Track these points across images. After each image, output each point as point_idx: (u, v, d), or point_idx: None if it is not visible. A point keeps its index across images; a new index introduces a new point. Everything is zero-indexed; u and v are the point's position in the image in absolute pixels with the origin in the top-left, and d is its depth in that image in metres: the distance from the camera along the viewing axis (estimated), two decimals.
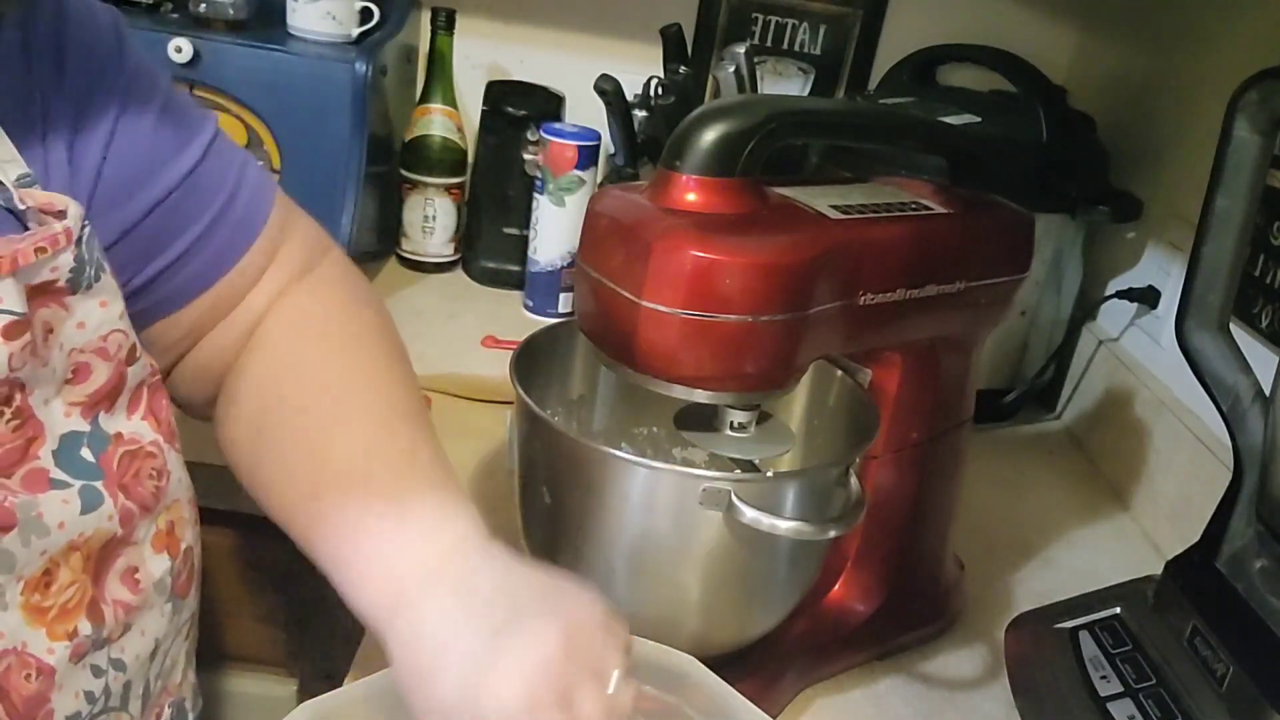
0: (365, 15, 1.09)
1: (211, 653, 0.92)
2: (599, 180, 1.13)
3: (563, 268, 1.10)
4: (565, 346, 0.72)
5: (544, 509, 0.63)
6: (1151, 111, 1.07)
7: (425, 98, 1.15)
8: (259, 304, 0.62)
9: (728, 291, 0.51)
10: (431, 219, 1.16)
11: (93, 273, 0.49)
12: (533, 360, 0.67)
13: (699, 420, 0.60)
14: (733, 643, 0.64)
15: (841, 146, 1.00)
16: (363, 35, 1.08)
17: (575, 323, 0.61)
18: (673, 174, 0.53)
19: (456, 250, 1.20)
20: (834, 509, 0.61)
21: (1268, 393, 0.57)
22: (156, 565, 0.55)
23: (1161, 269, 1.00)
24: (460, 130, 1.17)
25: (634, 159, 1.10)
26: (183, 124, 0.58)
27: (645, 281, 0.52)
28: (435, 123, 1.14)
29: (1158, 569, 0.63)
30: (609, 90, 1.06)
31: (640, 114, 1.10)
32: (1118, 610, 0.64)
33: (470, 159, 1.19)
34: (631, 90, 1.08)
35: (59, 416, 0.49)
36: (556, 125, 1.09)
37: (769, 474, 0.65)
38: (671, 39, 1.07)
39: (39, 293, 0.47)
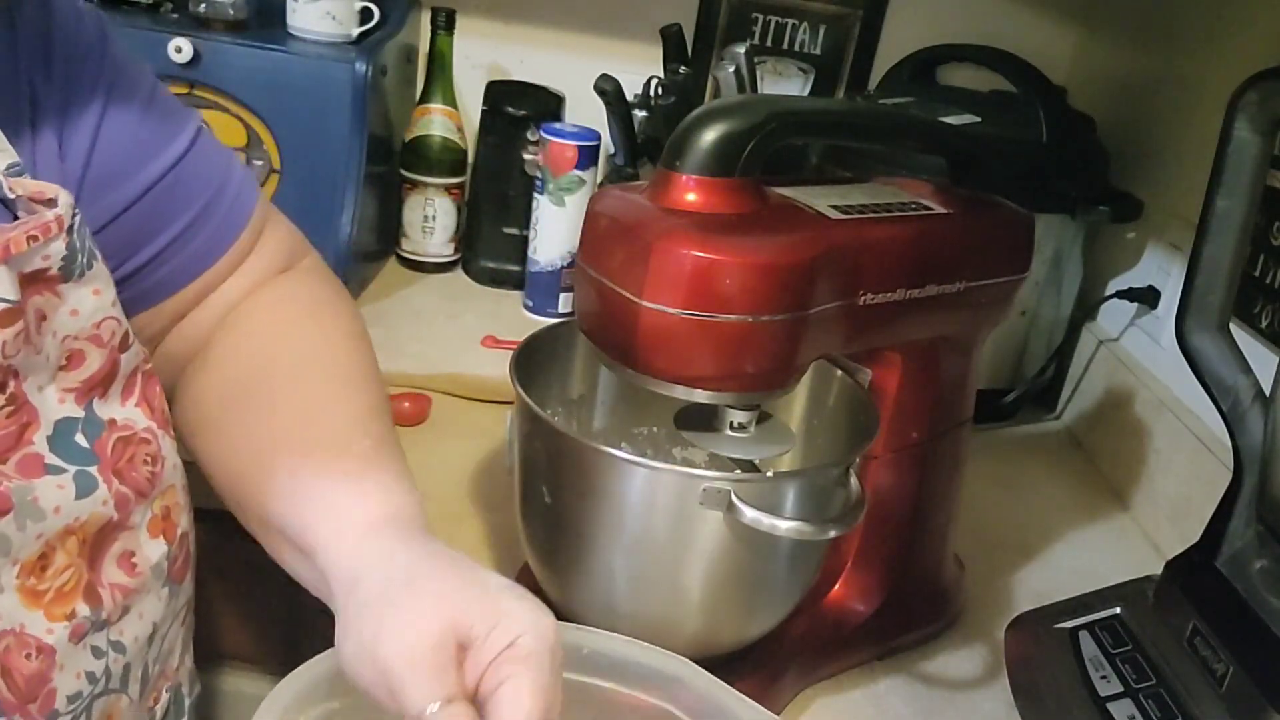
0: (365, 15, 1.09)
1: (211, 653, 0.92)
2: (599, 180, 1.13)
3: (563, 268, 1.10)
4: (565, 346, 0.72)
5: (544, 509, 0.63)
6: (1151, 111, 1.07)
7: (425, 98, 1.15)
8: (234, 293, 0.64)
9: (728, 291, 0.51)
10: (431, 219, 1.16)
11: (85, 260, 0.50)
12: (533, 360, 0.67)
13: (699, 420, 0.60)
14: (733, 643, 0.64)
15: (841, 146, 1.00)
16: (363, 35, 1.08)
17: (575, 323, 0.61)
18: (673, 174, 0.53)
19: (456, 250, 1.20)
20: (834, 509, 0.61)
21: (1268, 393, 0.57)
22: (153, 550, 0.55)
23: (1161, 269, 1.00)
24: (460, 130, 1.17)
25: (634, 159, 1.10)
26: (168, 118, 0.60)
27: (645, 281, 0.52)
28: (435, 123, 1.14)
29: (1158, 569, 0.63)
30: (609, 90, 1.05)
31: (640, 114, 1.10)
32: (1118, 610, 0.64)
33: (470, 159, 1.18)
34: (631, 90, 1.08)
35: (53, 403, 0.50)
36: (556, 125, 1.09)
37: (769, 474, 0.65)
38: (671, 39, 1.07)
39: (32, 281, 0.47)
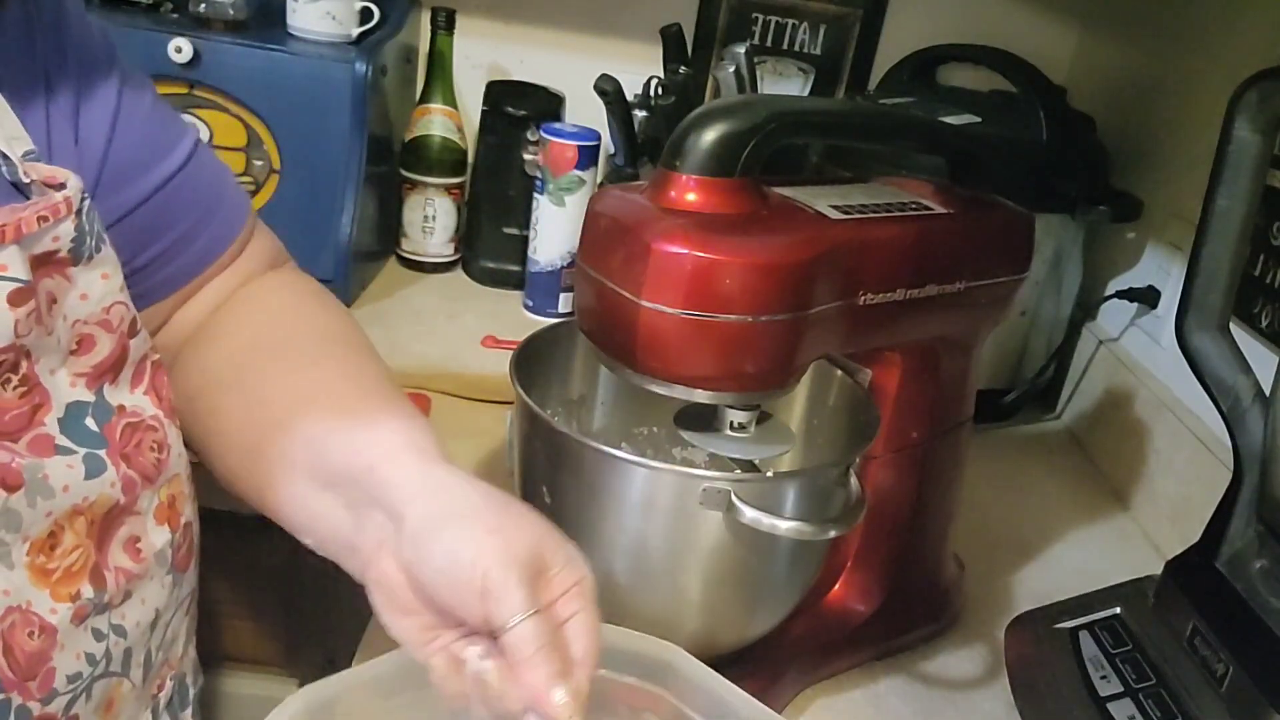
0: (365, 15, 1.09)
1: (212, 653, 0.92)
2: (599, 180, 1.13)
3: (563, 268, 1.10)
4: (565, 346, 0.72)
5: (544, 509, 0.62)
6: (1151, 111, 1.07)
7: (425, 98, 1.15)
8: (224, 289, 0.66)
9: (728, 291, 0.51)
10: (431, 219, 1.16)
11: (93, 244, 0.51)
12: (533, 360, 0.67)
13: (699, 420, 0.60)
14: (733, 642, 0.64)
15: (841, 146, 1.00)
16: (363, 35, 1.08)
17: (575, 323, 0.61)
18: (673, 174, 0.53)
19: (456, 250, 1.20)
20: (834, 509, 0.61)
21: (1268, 393, 0.57)
22: (158, 536, 0.56)
23: (1161, 269, 1.00)
24: (460, 130, 1.17)
25: (634, 159, 1.10)
26: (172, 123, 0.63)
27: (645, 281, 0.52)
28: (435, 123, 1.14)
29: (1158, 569, 0.63)
30: (609, 90, 1.05)
31: (640, 114, 1.10)
32: (1118, 610, 0.64)
33: (470, 159, 1.19)
34: (631, 90, 1.08)
35: (64, 386, 0.51)
36: (556, 125, 1.09)
37: (769, 474, 0.65)
38: (671, 39, 1.07)
39: (42, 262, 0.48)
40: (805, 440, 0.73)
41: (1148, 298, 1.01)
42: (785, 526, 0.56)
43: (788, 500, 0.58)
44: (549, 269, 1.10)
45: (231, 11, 1.02)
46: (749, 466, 0.61)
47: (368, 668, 0.51)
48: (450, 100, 1.16)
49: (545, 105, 1.15)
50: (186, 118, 0.99)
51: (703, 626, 0.62)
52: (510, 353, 0.65)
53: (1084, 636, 0.63)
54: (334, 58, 1.02)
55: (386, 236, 1.18)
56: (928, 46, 1.16)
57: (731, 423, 0.59)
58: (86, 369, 0.52)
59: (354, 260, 1.05)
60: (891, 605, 0.70)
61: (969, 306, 0.64)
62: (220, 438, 0.59)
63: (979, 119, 0.99)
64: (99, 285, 0.52)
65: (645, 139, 1.10)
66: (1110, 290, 1.06)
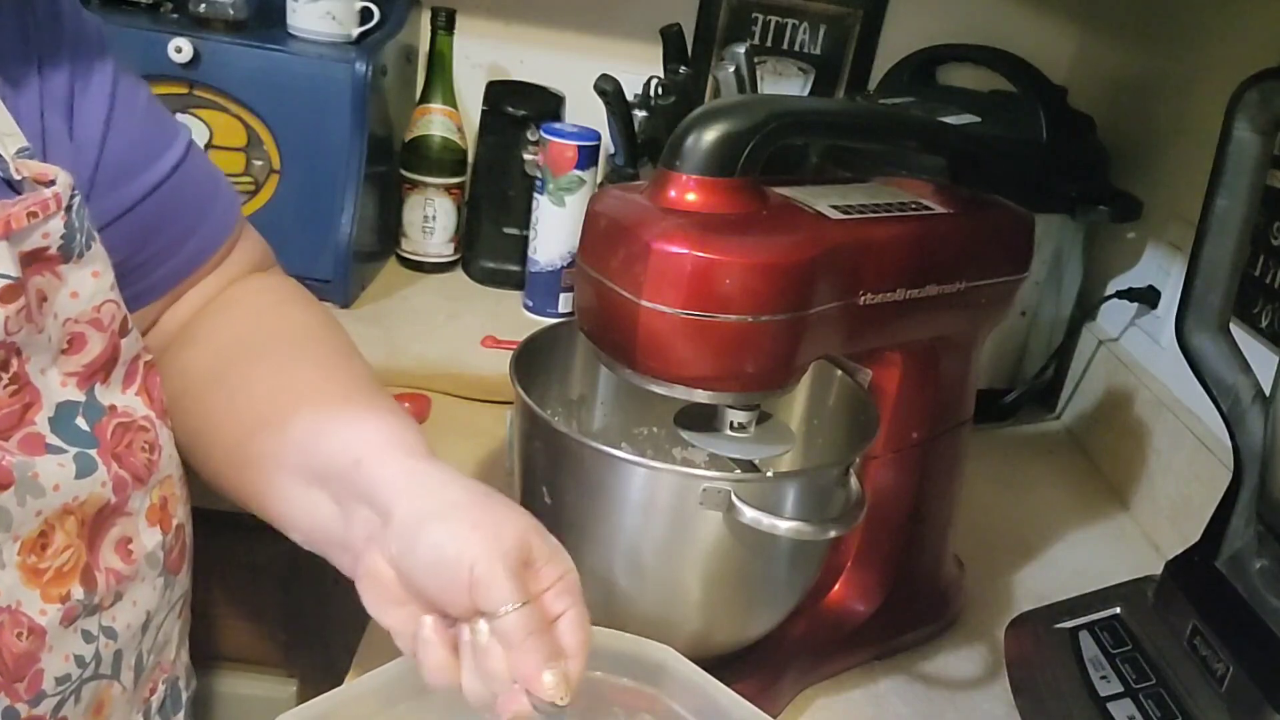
0: (365, 15, 1.09)
1: (211, 654, 0.92)
2: (599, 180, 1.13)
3: (563, 268, 1.10)
4: (565, 346, 0.72)
5: (544, 509, 0.63)
6: (1151, 111, 1.07)
7: (425, 98, 1.15)
8: (210, 289, 0.66)
9: (728, 291, 0.51)
10: (431, 219, 1.16)
11: (84, 241, 0.51)
12: (533, 360, 0.67)
13: (699, 420, 0.60)
14: (733, 643, 0.64)
15: (841, 146, 1.00)
16: (363, 35, 1.08)
17: (575, 323, 0.61)
18: (673, 174, 0.53)
19: (456, 250, 1.20)
20: (834, 509, 0.61)
21: (1268, 393, 0.57)
22: (149, 538, 0.56)
23: (1161, 269, 1.00)
24: (460, 130, 1.17)
25: (634, 159, 1.10)
26: (165, 121, 0.63)
27: (645, 281, 0.52)
28: (435, 123, 1.14)
29: (1158, 569, 0.63)
30: (609, 90, 1.05)
31: (640, 114, 1.10)
32: (1118, 610, 0.64)
33: (470, 159, 1.18)
34: (631, 90, 1.08)
35: (55, 385, 0.51)
36: (556, 125, 1.09)
37: (769, 474, 0.65)
38: (671, 39, 1.07)
39: (32, 259, 0.48)
40: (805, 440, 0.73)
41: (1148, 298, 1.01)
42: (785, 527, 0.56)
43: (788, 500, 0.58)
44: (549, 269, 1.10)
45: (231, 11, 1.02)
46: (749, 466, 0.61)
47: (364, 681, 0.51)
48: (450, 100, 1.16)
49: (545, 105, 1.15)
50: (187, 118, 0.99)
51: (703, 626, 0.62)
52: (510, 353, 0.65)
53: (1084, 636, 0.63)
54: (334, 58, 1.02)
55: (386, 236, 1.18)
56: (927, 47, 1.16)
57: (731, 423, 0.59)
58: (78, 368, 0.52)
59: (354, 260, 1.05)
60: (891, 605, 0.70)
61: (969, 306, 0.64)
62: (205, 437, 0.59)
63: (979, 119, 0.99)
64: (90, 283, 0.52)
65: (645, 139, 1.10)
66: (1110, 290, 1.06)
